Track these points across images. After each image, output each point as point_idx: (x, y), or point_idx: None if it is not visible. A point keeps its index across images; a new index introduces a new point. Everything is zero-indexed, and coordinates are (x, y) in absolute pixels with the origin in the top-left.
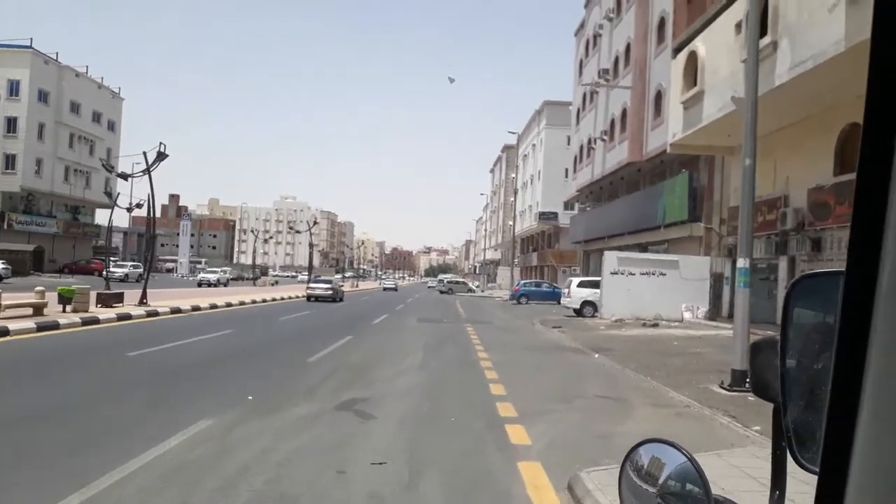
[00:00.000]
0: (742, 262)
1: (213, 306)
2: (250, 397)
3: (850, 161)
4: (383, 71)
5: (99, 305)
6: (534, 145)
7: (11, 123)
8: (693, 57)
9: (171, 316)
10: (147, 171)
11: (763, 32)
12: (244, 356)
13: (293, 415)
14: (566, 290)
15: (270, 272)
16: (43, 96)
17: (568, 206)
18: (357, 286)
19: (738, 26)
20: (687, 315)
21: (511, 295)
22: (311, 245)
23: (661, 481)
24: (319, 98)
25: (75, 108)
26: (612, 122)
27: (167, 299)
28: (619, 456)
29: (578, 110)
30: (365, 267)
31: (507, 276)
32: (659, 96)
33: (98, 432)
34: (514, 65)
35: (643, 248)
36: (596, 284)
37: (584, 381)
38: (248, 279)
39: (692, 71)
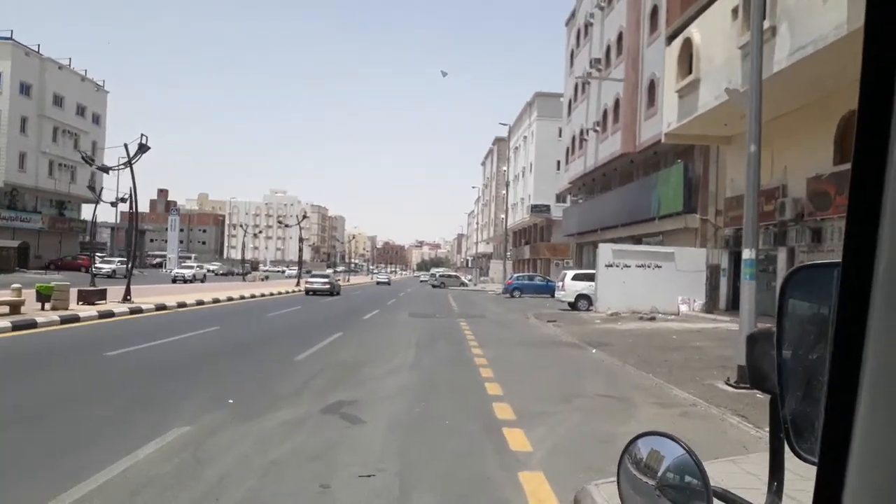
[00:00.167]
0: (748, 254)
1: (200, 302)
2: (231, 400)
3: (851, 149)
4: (375, 66)
5: (81, 303)
6: (525, 137)
7: None
8: (688, 44)
9: (155, 313)
10: (129, 163)
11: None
12: (228, 355)
13: (276, 420)
14: (560, 284)
15: (261, 267)
16: (25, 89)
17: (560, 198)
18: (348, 280)
19: (735, 12)
20: (683, 308)
21: (504, 288)
22: (300, 239)
23: (659, 474)
24: (311, 94)
25: (59, 100)
26: (605, 113)
27: (153, 295)
28: None
29: (570, 101)
30: (356, 261)
31: (500, 269)
32: (652, 86)
33: (61, 442)
34: (506, 59)
35: (637, 240)
36: (591, 277)
37: (583, 378)
38: (237, 274)
39: (687, 59)
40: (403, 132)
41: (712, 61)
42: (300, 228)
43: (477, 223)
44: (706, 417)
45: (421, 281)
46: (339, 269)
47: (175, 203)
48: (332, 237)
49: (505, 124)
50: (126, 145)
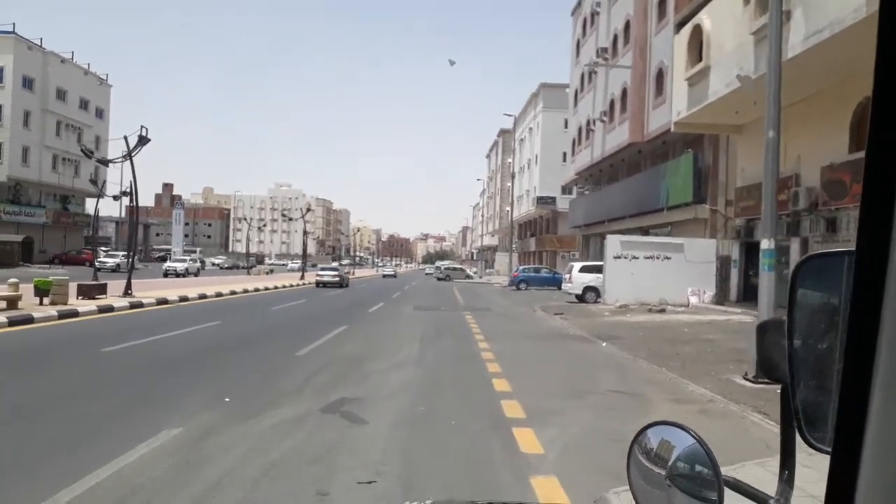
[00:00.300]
0: (767, 243)
1: (203, 296)
2: (227, 399)
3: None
4: (380, 58)
5: (80, 297)
6: (531, 129)
7: None
8: (697, 31)
9: (156, 307)
10: (129, 155)
11: None
12: (228, 350)
13: (274, 419)
14: (567, 276)
15: (266, 260)
16: (28, 83)
17: (566, 190)
18: (353, 273)
19: None
20: (693, 299)
21: (510, 281)
22: (304, 233)
23: (670, 463)
24: (315, 87)
25: (62, 94)
26: (612, 103)
27: (155, 290)
28: None
29: (576, 91)
30: (361, 254)
31: (505, 261)
32: (660, 74)
33: (49, 444)
34: (511, 50)
35: (645, 231)
36: (598, 269)
37: (593, 373)
38: (242, 268)
39: (696, 46)
40: (408, 125)
41: (723, 48)
42: (304, 222)
43: (482, 216)
44: (726, 415)
45: (426, 274)
46: (345, 262)
47: (180, 197)
48: (337, 230)
49: (510, 115)
50: (126, 137)
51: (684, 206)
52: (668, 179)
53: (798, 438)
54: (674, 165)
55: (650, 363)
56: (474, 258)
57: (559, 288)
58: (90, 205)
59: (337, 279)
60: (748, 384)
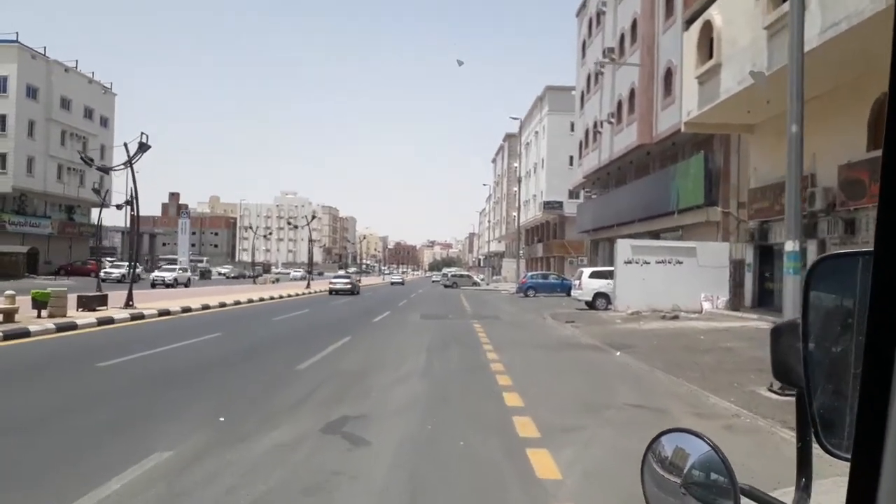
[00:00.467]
0: (791, 245)
1: (206, 307)
2: (222, 418)
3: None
4: (384, 62)
5: (80, 309)
6: (536, 133)
7: (0, 121)
8: (708, 27)
9: (158, 319)
10: (129, 162)
11: None
12: (226, 364)
13: (269, 442)
14: (577, 282)
15: (273, 269)
16: (32, 92)
17: (573, 194)
18: (359, 281)
19: None
20: (706, 305)
21: (518, 287)
22: (310, 240)
23: (685, 471)
24: (321, 94)
25: (66, 104)
26: (620, 104)
27: (158, 300)
28: None
29: (583, 93)
30: (368, 262)
31: (513, 268)
32: (669, 74)
33: (25, 470)
34: (516, 55)
35: (655, 235)
36: (609, 275)
37: (609, 385)
38: (249, 277)
39: (707, 43)
40: (413, 130)
41: (735, 44)
42: (310, 229)
43: (488, 221)
44: (754, 431)
45: (433, 281)
46: (351, 269)
47: (186, 206)
48: (344, 238)
49: (516, 118)
50: (126, 144)
51: (695, 209)
52: (678, 181)
53: (815, 445)
54: (684, 167)
55: (668, 374)
56: (481, 265)
57: (568, 294)
58: (96, 215)
59: (349, 286)
60: (774, 396)
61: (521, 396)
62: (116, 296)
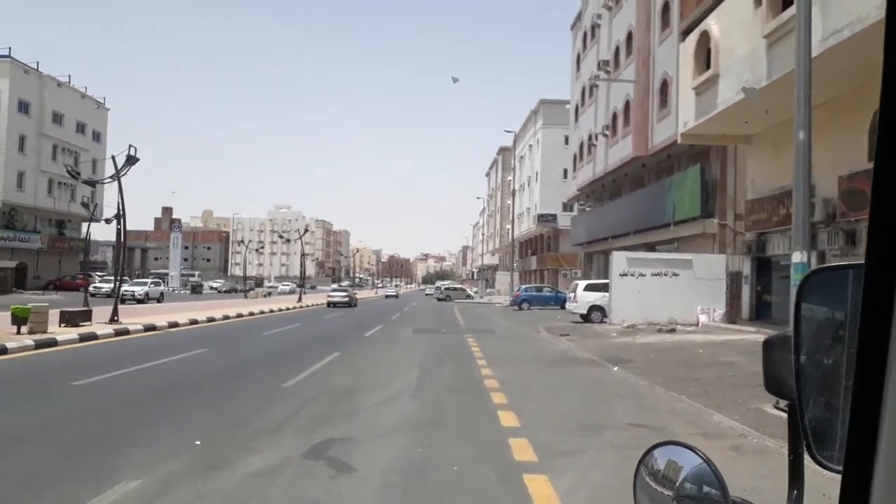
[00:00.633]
0: (799, 256)
1: (194, 322)
2: (198, 442)
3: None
4: (378, 75)
5: (63, 324)
6: (530, 146)
7: None
8: (705, 37)
9: (143, 334)
10: (116, 175)
11: (788, 1)
12: (209, 382)
13: (246, 469)
14: (572, 295)
15: (266, 283)
16: (23, 107)
17: (567, 207)
18: (356, 295)
19: None
20: (703, 318)
21: (512, 300)
22: (302, 254)
23: (677, 484)
24: (316, 108)
25: (58, 118)
26: (615, 116)
27: (145, 315)
28: None
29: (577, 106)
30: (361, 275)
31: (506, 280)
32: (665, 86)
33: None
34: (510, 69)
35: (651, 247)
36: (604, 288)
37: (608, 403)
38: (240, 291)
39: (704, 53)
40: (407, 144)
41: (733, 54)
42: (302, 243)
43: (482, 234)
44: (762, 452)
45: (426, 294)
46: (344, 283)
47: (179, 221)
48: (337, 252)
49: (510, 131)
50: (114, 157)
51: (691, 221)
52: (673, 193)
53: (807, 457)
54: (680, 179)
55: (668, 390)
56: (475, 277)
57: (562, 307)
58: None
59: (346, 299)
60: (781, 414)
61: (517, 416)
62: (102, 311)
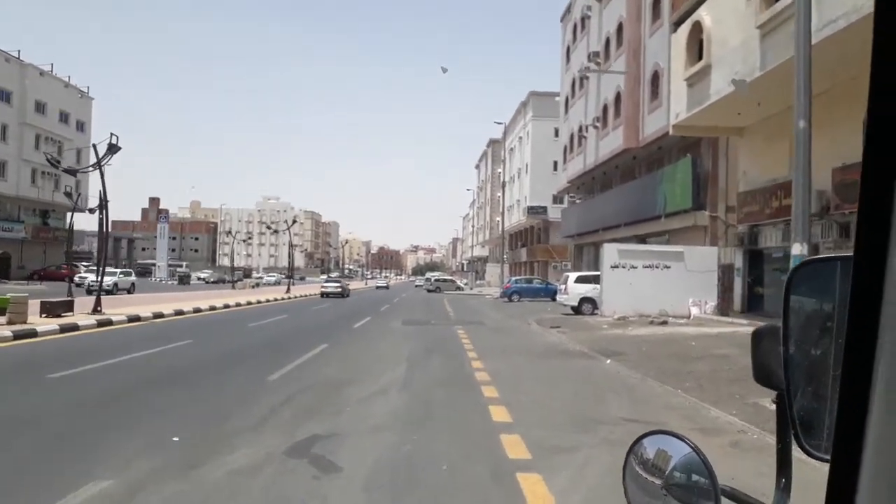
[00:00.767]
0: (799, 248)
1: (180, 312)
2: (176, 438)
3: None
4: (368, 68)
5: (44, 315)
6: (520, 138)
7: None
8: (697, 28)
9: (127, 325)
10: (98, 164)
11: None
12: (191, 375)
13: (226, 466)
14: (563, 287)
15: (254, 274)
16: (5, 96)
17: (557, 199)
18: (349, 285)
19: None
20: (694, 310)
21: (502, 292)
22: (290, 245)
23: (666, 472)
24: (301, 99)
25: (41, 107)
26: (605, 108)
27: (129, 305)
28: None
29: (567, 98)
30: (351, 267)
31: (496, 272)
32: (656, 77)
33: None
34: (499, 60)
35: (642, 239)
36: (595, 279)
37: (601, 396)
38: (228, 282)
39: (696, 44)
40: (396, 137)
41: (725, 44)
42: (290, 234)
43: (472, 226)
44: (763, 448)
45: (416, 286)
46: (334, 274)
47: (166, 211)
48: (326, 243)
49: (500, 123)
50: (95, 146)
51: (683, 213)
52: (665, 185)
53: (795, 446)
54: (671, 171)
55: (662, 384)
56: (465, 269)
57: (553, 299)
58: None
59: (339, 290)
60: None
61: (509, 410)
62: (85, 301)
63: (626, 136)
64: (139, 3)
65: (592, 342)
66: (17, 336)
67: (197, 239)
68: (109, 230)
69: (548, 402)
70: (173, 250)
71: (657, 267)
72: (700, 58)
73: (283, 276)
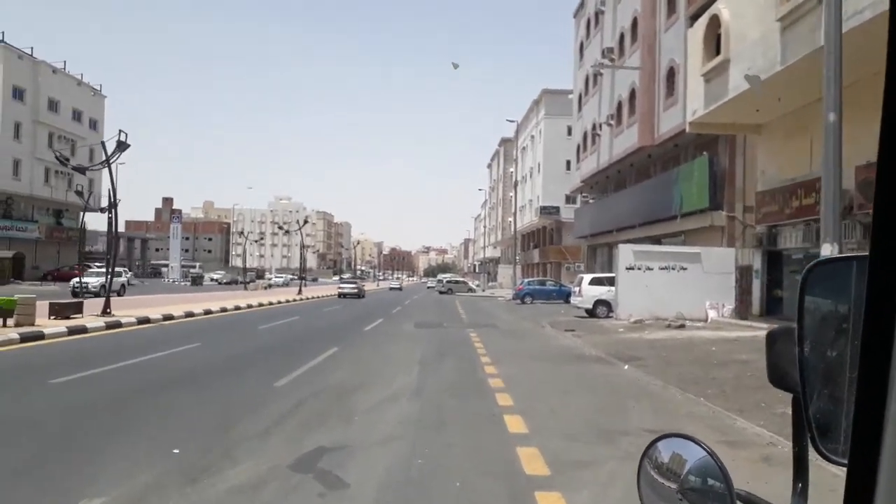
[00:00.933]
0: (829, 248)
1: (190, 314)
2: (176, 450)
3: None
4: (380, 68)
5: (52, 317)
6: (532, 137)
7: None
8: (714, 22)
9: (136, 327)
10: (106, 162)
11: None
12: (197, 380)
13: (228, 482)
14: (577, 289)
15: (267, 275)
16: (18, 94)
17: (570, 199)
18: (364, 286)
19: None
20: (712, 313)
21: (514, 294)
22: (302, 246)
23: (681, 477)
24: (312, 100)
25: (54, 105)
26: (620, 105)
27: (140, 307)
28: None
29: (580, 96)
30: (363, 268)
31: (508, 274)
32: (671, 73)
33: None
34: (511, 59)
35: (657, 240)
36: (609, 281)
37: (622, 405)
38: (241, 283)
39: (713, 39)
40: (409, 136)
41: (744, 39)
42: (302, 234)
43: (484, 227)
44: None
45: (428, 287)
46: (346, 275)
47: (179, 211)
48: (338, 244)
49: (512, 120)
50: (103, 143)
51: (699, 213)
52: (681, 185)
53: (811, 450)
54: (687, 170)
55: (684, 391)
56: (476, 270)
57: (566, 301)
58: (86, 219)
59: (356, 290)
60: None
61: (525, 420)
62: (95, 303)
63: (640, 134)
64: (139, 4)
65: (609, 346)
66: (24, 338)
67: (210, 239)
68: (123, 230)
69: (565, 411)
70: (186, 251)
71: (673, 268)
72: (717, 53)
73: (294, 276)
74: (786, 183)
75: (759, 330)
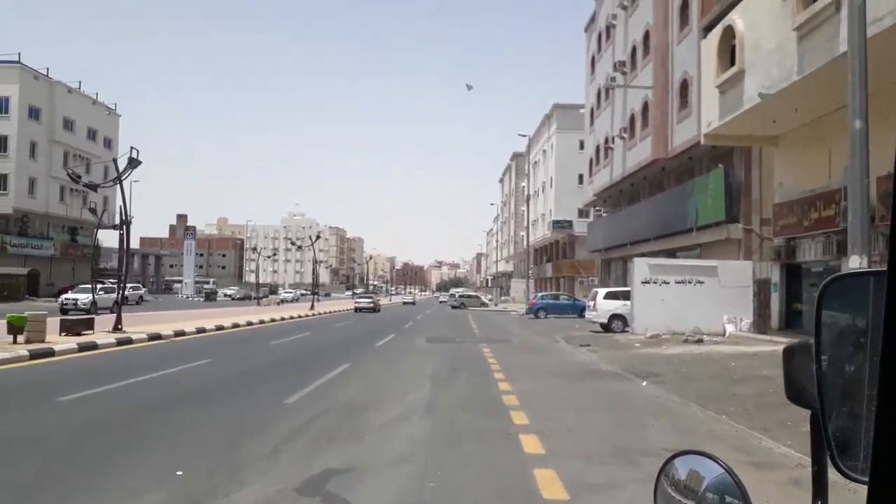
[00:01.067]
0: (857, 261)
1: (202, 330)
2: (180, 472)
3: None
4: (396, 87)
5: (63, 333)
6: (544, 151)
7: (1, 142)
8: (728, 32)
9: (147, 344)
10: (118, 179)
11: None
12: (206, 397)
13: None
14: (591, 303)
15: (281, 291)
16: (34, 113)
17: (583, 213)
18: (379, 301)
19: None
20: (730, 328)
21: (528, 309)
22: (315, 261)
23: (699, 494)
24: (327, 116)
25: (69, 125)
26: (632, 118)
27: (152, 323)
28: None
29: (592, 109)
30: (375, 283)
31: (521, 288)
32: (685, 85)
33: None
34: (523, 74)
35: (672, 254)
36: (624, 296)
37: (641, 423)
38: (254, 298)
39: (728, 49)
40: (420, 152)
41: (759, 49)
42: (314, 250)
43: (496, 241)
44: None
45: (440, 301)
46: (358, 290)
47: (193, 228)
48: (351, 259)
49: (524, 135)
50: (115, 160)
51: (715, 226)
52: (696, 197)
53: (831, 467)
54: (702, 182)
55: (705, 409)
56: (489, 285)
57: (580, 316)
58: (101, 236)
59: (371, 305)
60: None
61: (541, 440)
62: (107, 319)
63: (654, 147)
64: (153, 26)
65: (625, 362)
66: (34, 355)
67: (224, 255)
68: (137, 247)
69: (582, 430)
70: (200, 267)
71: (690, 282)
72: (732, 64)
73: (305, 292)
74: (804, 194)
75: (778, 344)
